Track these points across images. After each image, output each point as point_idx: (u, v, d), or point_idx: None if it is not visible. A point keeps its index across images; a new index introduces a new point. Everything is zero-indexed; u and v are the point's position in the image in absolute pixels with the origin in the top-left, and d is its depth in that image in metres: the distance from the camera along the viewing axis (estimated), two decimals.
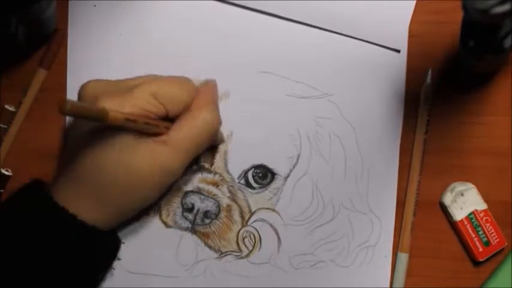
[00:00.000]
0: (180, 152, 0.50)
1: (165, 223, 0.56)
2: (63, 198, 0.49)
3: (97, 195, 0.49)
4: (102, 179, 0.49)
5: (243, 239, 0.55)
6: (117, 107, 0.47)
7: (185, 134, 0.50)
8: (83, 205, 0.49)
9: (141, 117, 0.48)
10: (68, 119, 0.56)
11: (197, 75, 0.55)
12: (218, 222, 0.55)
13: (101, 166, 0.49)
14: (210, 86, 0.54)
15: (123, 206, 0.51)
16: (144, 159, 0.49)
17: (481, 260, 0.54)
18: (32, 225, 0.49)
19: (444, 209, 0.55)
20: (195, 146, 0.51)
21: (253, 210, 0.55)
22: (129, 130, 0.48)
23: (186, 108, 0.51)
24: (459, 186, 0.54)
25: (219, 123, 0.53)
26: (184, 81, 0.53)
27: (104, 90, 0.50)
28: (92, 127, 0.49)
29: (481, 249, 0.54)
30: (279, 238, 0.55)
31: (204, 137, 0.51)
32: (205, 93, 0.53)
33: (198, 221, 0.55)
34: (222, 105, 0.54)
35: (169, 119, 0.51)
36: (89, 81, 0.51)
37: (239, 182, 0.55)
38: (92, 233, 0.50)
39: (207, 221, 0.55)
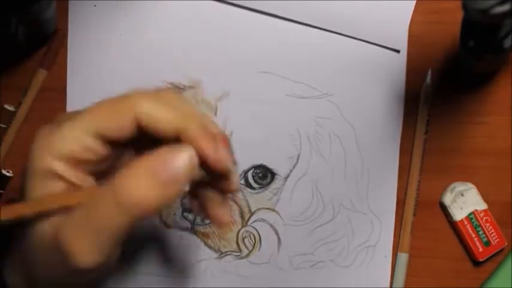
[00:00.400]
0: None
1: (165, 223, 0.56)
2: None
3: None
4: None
5: (243, 239, 0.55)
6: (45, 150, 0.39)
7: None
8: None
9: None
10: None
11: (197, 75, 0.55)
12: None
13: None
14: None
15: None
16: None
17: (481, 260, 0.54)
18: None
19: (444, 209, 0.55)
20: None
21: (253, 210, 0.55)
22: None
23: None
24: (459, 186, 0.54)
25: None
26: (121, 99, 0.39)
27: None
28: None
29: (481, 249, 0.54)
30: (279, 238, 0.55)
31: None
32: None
33: (198, 221, 0.55)
34: (222, 105, 0.55)
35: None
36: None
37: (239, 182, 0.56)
38: None
39: (207, 221, 0.55)
